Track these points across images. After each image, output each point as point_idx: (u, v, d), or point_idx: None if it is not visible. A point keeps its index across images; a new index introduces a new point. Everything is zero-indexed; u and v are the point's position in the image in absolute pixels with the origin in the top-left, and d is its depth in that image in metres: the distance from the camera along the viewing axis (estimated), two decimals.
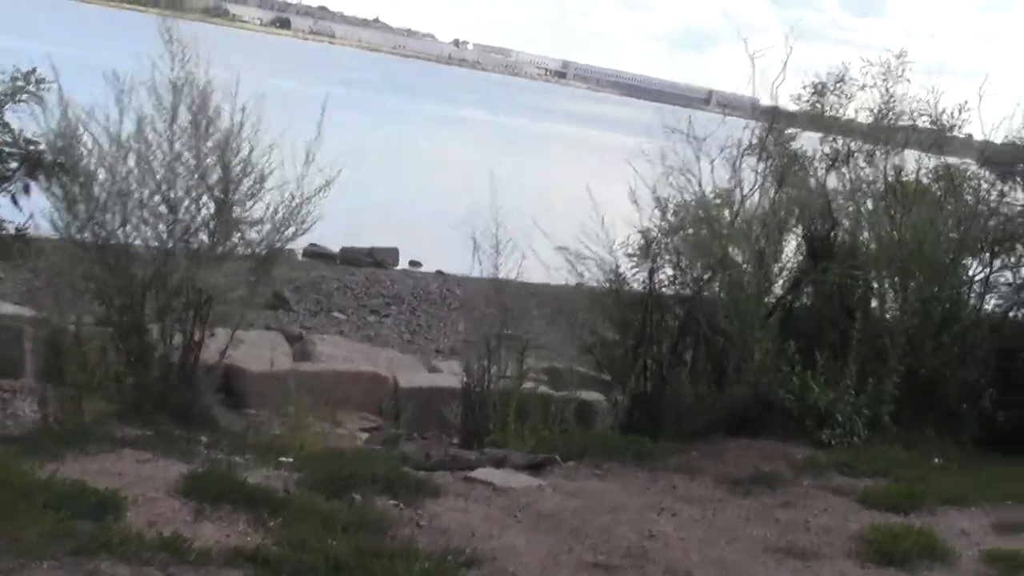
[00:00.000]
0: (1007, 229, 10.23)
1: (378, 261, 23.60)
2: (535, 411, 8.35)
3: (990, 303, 10.14)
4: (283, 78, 30.81)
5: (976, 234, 10.16)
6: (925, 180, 10.48)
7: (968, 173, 10.70)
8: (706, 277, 8.57)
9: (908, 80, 10.37)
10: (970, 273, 10.01)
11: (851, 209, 9.74)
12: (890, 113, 10.52)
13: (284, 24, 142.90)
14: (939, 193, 10.30)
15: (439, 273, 22.78)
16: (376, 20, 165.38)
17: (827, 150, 10.52)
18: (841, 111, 10.59)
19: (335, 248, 23.17)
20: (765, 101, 10.20)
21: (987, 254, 10.11)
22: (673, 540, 5.79)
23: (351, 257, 23.36)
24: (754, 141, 9.45)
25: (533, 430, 8.14)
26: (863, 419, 8.25)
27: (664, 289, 8.87)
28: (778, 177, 9.11)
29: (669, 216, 8.88)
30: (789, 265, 9.32)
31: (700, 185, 8.88)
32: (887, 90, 10.46)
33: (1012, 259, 10.31)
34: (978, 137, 10.88)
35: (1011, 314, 10.17)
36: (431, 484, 6.17)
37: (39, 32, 40.64)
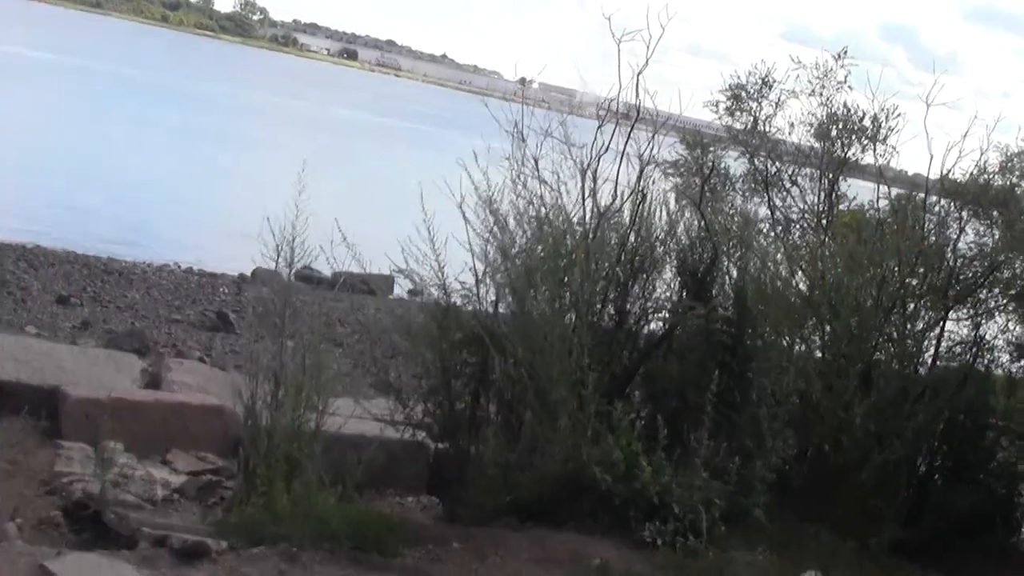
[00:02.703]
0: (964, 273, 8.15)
1: (371, 289, 22.03)
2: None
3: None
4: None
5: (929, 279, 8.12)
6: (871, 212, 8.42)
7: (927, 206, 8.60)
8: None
9: (851, 87, 8.35)
10: (913, 326, 7.86)
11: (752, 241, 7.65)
12: (831, 127, 8.49)
13: (351, 55, 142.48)
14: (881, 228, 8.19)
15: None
16: (443, 56, 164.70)
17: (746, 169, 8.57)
18: (767, 122, 8.59)
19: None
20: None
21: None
22: None
23: (348, 283, 21.71)
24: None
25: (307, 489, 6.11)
26: (717, 511, 6.15)
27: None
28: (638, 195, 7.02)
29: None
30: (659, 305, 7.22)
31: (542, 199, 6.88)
32: (827, 99, 8.44)
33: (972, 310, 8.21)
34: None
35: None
36: None
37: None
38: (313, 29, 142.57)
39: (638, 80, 6.96)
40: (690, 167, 8.74)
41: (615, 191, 7.02)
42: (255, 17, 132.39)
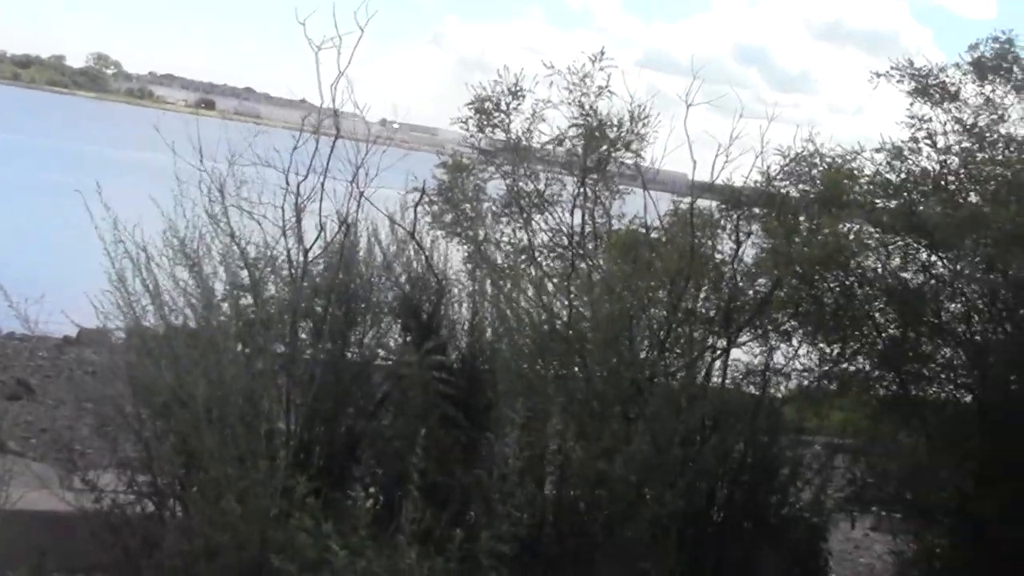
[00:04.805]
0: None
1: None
2: None
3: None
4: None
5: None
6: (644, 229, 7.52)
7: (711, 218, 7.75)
8: None
9: (612, 93, 7.44)
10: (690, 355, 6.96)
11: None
12: (592, 139, 7.57)
13: (209, 105, 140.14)
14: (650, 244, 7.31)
15: None
16: (303, 101, 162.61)
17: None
18: (524, 137, 7.65)
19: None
20: None
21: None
22: None
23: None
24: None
25: None
26: None
27: None
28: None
29: None
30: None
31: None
32: (588, 107, 7.52)
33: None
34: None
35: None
36: None
37: None
38: (169, 80, 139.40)
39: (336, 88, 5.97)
40: (446, 192, 7.77)
41: (320, 222, 6.01)
42: (109, 71, 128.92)
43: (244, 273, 5.97)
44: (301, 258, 6.00)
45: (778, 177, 7.68)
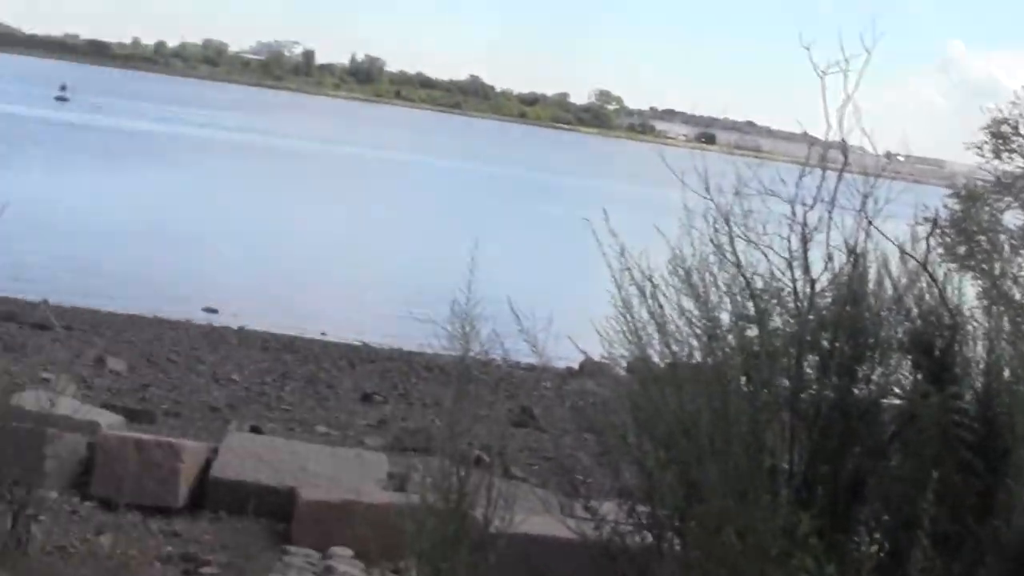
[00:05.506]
0: None
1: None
2: None
3: None
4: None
5: None
6: None
7: None
8: None
9: None
10: None
11: None
12: None
13: (709, 139, 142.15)
14: None
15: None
16: (804, 133, 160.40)
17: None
18: None
19: None
20: None
21: None
22: None
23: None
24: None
25: None
26: None
27: None
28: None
29: None
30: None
31: None
32: None
33: None
34: None
35: None
36: None
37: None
38: (670, 115, 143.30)
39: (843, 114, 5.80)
40: (959, 223, 7.35)
41: (827, 253, 5.85)
42: (611, 107, 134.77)
43: (749, 304, 5.93)
44: (807, 290, 5.86)
45: None
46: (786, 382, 5.80)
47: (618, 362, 6.51)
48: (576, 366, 17.29)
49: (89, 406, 9.87)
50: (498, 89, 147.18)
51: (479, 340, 6.25)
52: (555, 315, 6.49)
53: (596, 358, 7.21)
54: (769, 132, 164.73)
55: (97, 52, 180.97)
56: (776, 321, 5.88)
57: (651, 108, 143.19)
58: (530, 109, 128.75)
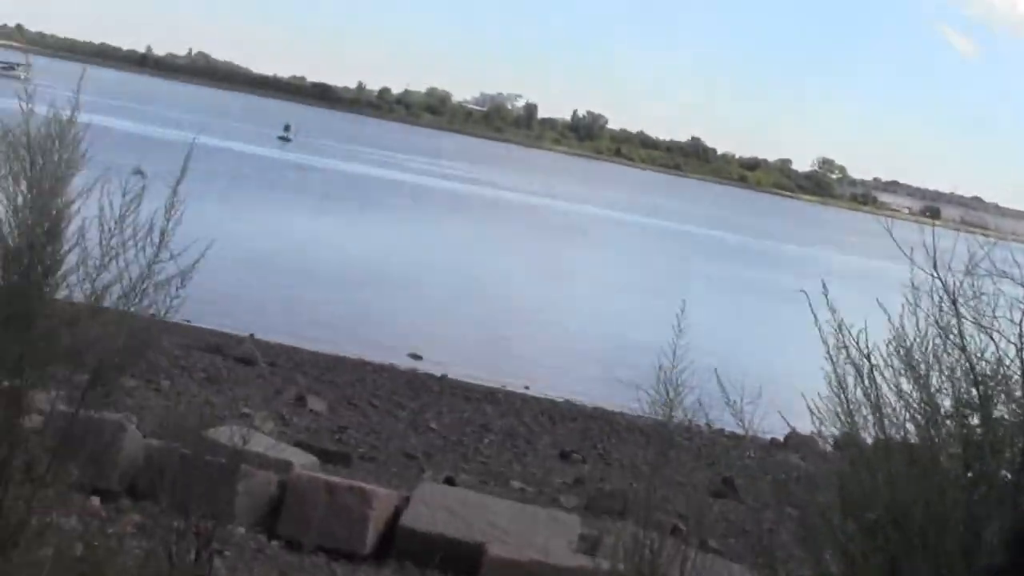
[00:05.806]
0: None
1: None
2: None
3: None
4: None
5: None
6: None
7: None
8: None
9: None
10: None
11: None
12: None
13: (934, 214, 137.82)
14: None
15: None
16: None
17: None
18: None
19: None
20: None
21: None
22: None
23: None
24: None
25: None
26: None
27: None
28: None
29: None
30: None
31: None
32: None
33: None
34: None
35: None
36: None
37: None
38: (894, 187, 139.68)
39: None
40: None
41: None
42: (834, 176, 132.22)
43: (973, 390, 5.58)
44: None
45: None
46: (1008, 475, 5.44)
47: (826, 439, 6.23)
48: (781, 439, 16.81)
49: (284, 444, 9.99)
50: (719, 152, 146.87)
51: (682, 406, 6.06)
52: (763, 384, 6.26)
53: (802, 431, 6.95)
54: (997, 208, 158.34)
55: (322, 95, 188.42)
56: (1001, 410, 5.51)
57: (874, 179, 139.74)
58: (751, 173, 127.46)
